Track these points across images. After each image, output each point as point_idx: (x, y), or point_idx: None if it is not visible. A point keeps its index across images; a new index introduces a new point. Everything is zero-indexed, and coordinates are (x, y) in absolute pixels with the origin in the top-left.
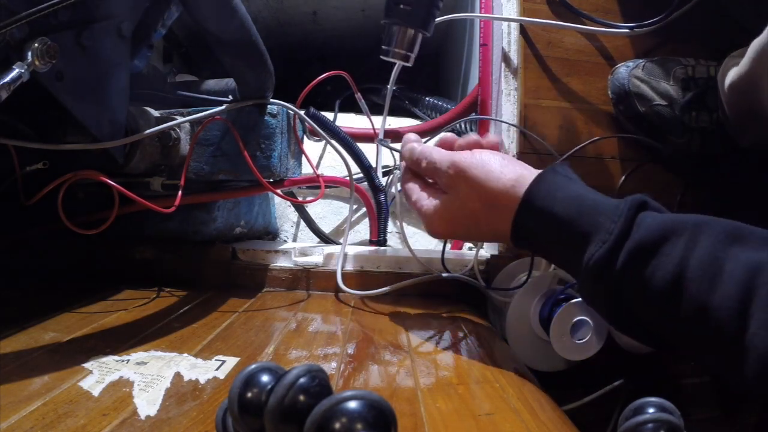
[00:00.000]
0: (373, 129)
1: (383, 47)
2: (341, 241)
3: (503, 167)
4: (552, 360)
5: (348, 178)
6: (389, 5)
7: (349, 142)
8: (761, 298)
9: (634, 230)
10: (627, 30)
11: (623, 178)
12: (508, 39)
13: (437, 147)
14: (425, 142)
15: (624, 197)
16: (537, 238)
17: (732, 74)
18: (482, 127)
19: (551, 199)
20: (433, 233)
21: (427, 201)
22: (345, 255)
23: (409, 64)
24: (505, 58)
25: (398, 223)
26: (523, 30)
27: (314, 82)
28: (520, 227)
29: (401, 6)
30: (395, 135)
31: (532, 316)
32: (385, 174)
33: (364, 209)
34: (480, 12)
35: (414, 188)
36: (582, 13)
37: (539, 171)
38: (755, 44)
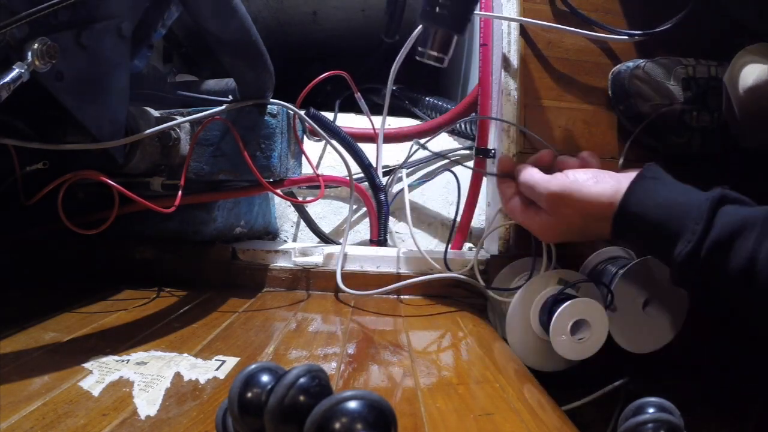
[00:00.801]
0: (373, 129)
1: (419, 48)
2: (341, 241)
3: (596, 184)
4: (552, 360)
5: (348, 177)
6: (425, 8)
7: (349, 141)
8: None
9: (713, 229)
10: (631, 37)
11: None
12: (508, 39)
13: (535, 169)
14: (425, 143)
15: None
16: (634, 242)
17: (754, 77)
18: (482, 127)
19: (643, 207)
20: (545, 240)
21: (534, 219)
22: (345, 255)
23: (443, 66)
24: (505, 58)
25: (399, 223)
26: (523, 30)
27: (314, 82)
28: (618, 235)
29: (437, 9)
30: (395, 135)
31: (532, 316)
32: (385, 174)
33: (364, 209)
34: (480, 11)
35: (516, 207)
36: (587, 18)
37: (630, 178)
38: None
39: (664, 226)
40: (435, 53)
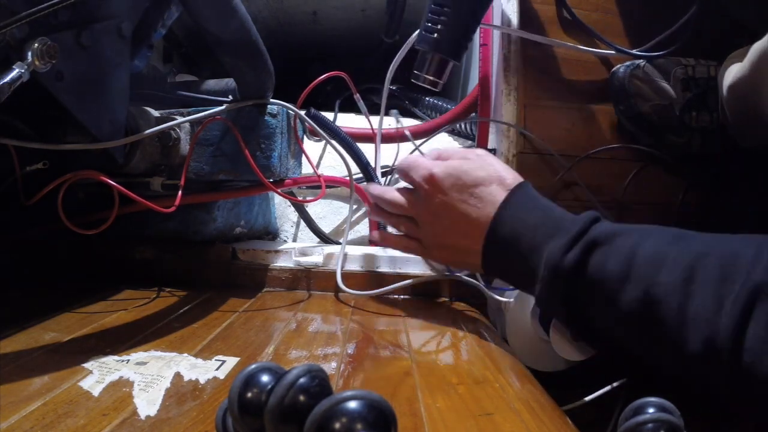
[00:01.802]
0: (372, 129)
1: (414, 71)
2: (341, 241)
3: (471, 178)
4: (552, 360)
5: (348, 177)
6: (422, 32)
7: (348, 142)
8: (701, 279)
9: (590, 230)
10: (635, 53)
11: (628, 180)
12: (508, 39)
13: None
14: (425, 143)
15: (618, 202)
16: (507, 246)
17: (732, 77)
18: (482, 128)
19: (523, 208)
20: (430, 251)
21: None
22: (345, 255)
23: (437, 90)
24: (505, 58)
25: None
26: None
27: (314, 83)
28: (489, 248)
29: (434, 35)
30: (394, 136)
31: (532, 316)
32: (384, 174)
33: (363, 209)
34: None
35: (389, 235)
36: (589, 28)
37: (507, 185)
38: (756, 49)
39: (540, 229)
40: (430, 77)
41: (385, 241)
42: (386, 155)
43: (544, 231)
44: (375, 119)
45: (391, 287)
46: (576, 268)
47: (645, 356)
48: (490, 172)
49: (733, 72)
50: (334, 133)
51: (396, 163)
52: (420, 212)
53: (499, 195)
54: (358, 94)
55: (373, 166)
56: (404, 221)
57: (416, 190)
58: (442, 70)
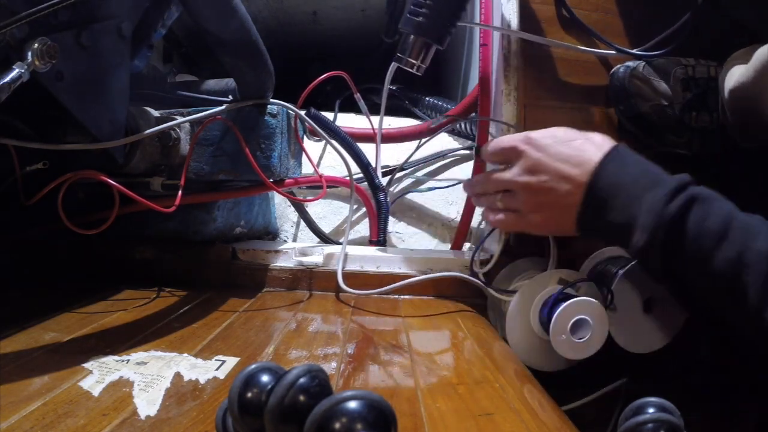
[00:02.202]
0: (372, 129)
1: (398, 54)
2: (342, 241)
3: (566, 136)
4: (552, 360)
5: (356, 176)
6: (407, 15)
7: (348, 141)
8: None
9: (689, 187)
10: (635, 53)
11: None
12: (508, 39)
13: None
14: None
15: None
16: (607, 197)
17: (734, 80)
18: (482, 127)
19: (623, 162)
20: (534, 226)
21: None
22: (345, 255)
23: (419, 74)
24: (505, 58)
25: (399, 223)
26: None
27: (314, 83)
28: (589, 198)
29: (419, 18)
30: (395, 136)
31: (532, 316)
32: (385, 174)
33: (363, 209)
34: (480, 16)
35: (498, 211)
36: (589, 28)
37: (602, 144)
38: (759, 54)
39: (640, 181)
40: (413, 60)
41: (486, 219)
42: (387, 155)
43: (644, 183)
44: (375, 119)
45: (391, 287)
46: (676, 219)
47: (726, 315)
48: (582, 132)
49: (735, 75)
50: (334, 133)
51: (485, 146)
52: (517, 178)
53: (596, 150)
54: (358, 94)
55: (373, 166)
56: (501, 197)
57: (511, 162)
58: (425, 54)
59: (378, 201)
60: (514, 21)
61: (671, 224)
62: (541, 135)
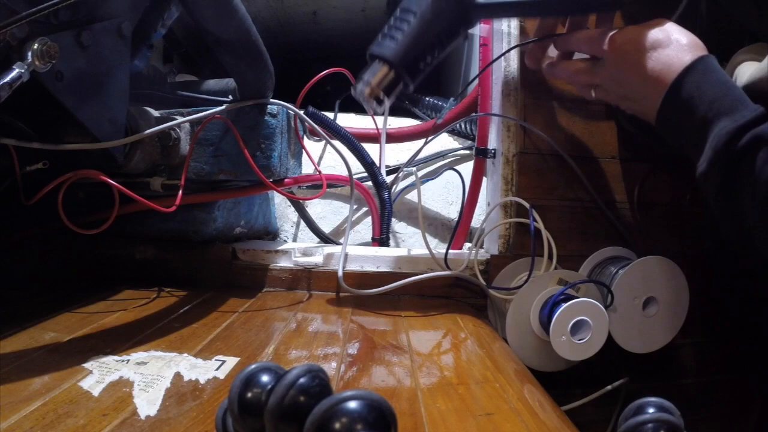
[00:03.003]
0: (376, 128)
1: (360, 78)
2: (342, 240)
3: (653, 38)
4: (552, 360)
5: (356, 176)
6: (380, 37)
7: (350, 138)
8: None
9: (762, 125)
10: None
11: (639, 184)
12: (508, 39)
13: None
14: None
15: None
16: (682, 112)
17: (748, 76)
18: (482, 127)
19: (705, 79)
20: (612, 92)
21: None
22: (346, 255)
23: (379, 112)
24: (505, 58)
25: (399, 223)
26: (523, 30)
27: (315, 79)
28: (669, 102)
29: (392, 42)
30: (396, 135)
31: (532, 317)
32: (389, 173)
33: (364, 209)
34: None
35: (571, 64)
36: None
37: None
38: None
39: (717, 102)
40: (376, 89)
41: (559, 71)
42: (390, 153)
43: (719, 107)
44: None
45: (391, 286)
46: (739, 160)
47: None
48: (673, 29)
49: (748, 72)
50: (334, 131)
51: (568, 39)
52: (605, 79)
53: (681, 58)
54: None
55: (377, 164)
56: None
57: (597, 55)
58: (392, 86)
59: (382, 198)
60: (514, 21)
61: (732, 164)
62: (626, 35)
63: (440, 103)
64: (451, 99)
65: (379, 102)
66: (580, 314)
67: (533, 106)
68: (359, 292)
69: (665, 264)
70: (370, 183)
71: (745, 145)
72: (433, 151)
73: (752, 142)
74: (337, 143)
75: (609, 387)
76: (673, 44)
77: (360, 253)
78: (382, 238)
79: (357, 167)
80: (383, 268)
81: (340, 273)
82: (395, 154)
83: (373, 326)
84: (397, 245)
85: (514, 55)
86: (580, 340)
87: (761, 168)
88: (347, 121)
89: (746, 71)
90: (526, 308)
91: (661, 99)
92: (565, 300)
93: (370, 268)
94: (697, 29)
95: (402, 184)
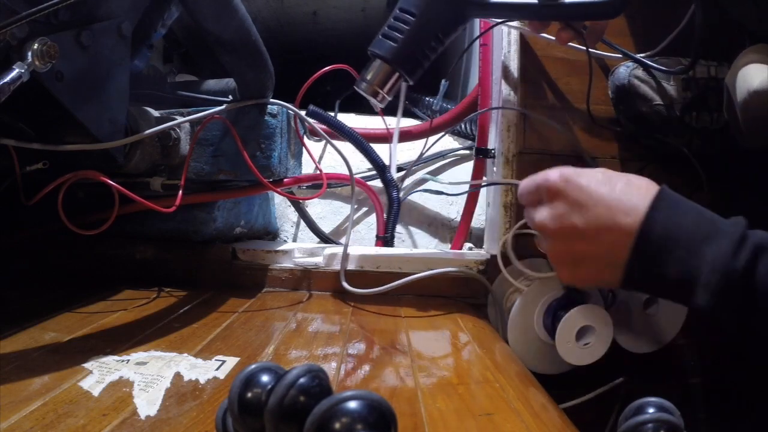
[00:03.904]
0: (386, 127)
1: (360, 78)
2: (341, 240)
3: (606, 176)
4: (555, 363)
5: (356, 175)
6: (379, 37)
7: (355, 137)
8: None
9: (750, 235)
10: (639, 56)
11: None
12: (508, 39)
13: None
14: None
15: None
16: (659, 251)
17: (758, 80)
18: (482, 127)
19: (675, 209)
20: (559, 271)
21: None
22: (347, 255)
23: (381, 105)
24: (505, 58)
25: (399, 223)
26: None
27: (315, 76)
28: (641, 248)
29: (392, 43)
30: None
31: (536, 320)
32: (399, 170)
33: (363, 209)
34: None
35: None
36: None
37: (648, 187)
38: None
39: (697, 230)
40: (376, 88)
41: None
42: (402, 153)
43: (701, 233)
44: (372, 119)
45: (391, 286)
46: (746, 274)
47: None
48: (623, 174)
49: (762, 75)
50: (337, 128)
51: (521, 186)
52: (548, 222)
53: (642, 196)
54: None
55: (386, 162)
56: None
57: (545, 202)
58: (392, 84)
59: (390, 197)
60: (514, 21)
61: (742, 282)
62: (578, 172)
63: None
64: (443, 80)
65: (381, 98)
66: (586, 320)
67: (533, 106)
68: (359, 292)
69: None
70: (373, 182)
71: (748, 259)
72: (433, 151)
73: (753, 254)
74: (336, 142)
75: (609, 386)
76: (629, 180)
77: (360, 253)
78: (386, 236)
79: (356, 167)
80: (383, 268)
81: (341, 272)
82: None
83: (373, 326)
84: (397, 245)
85: (514, 55)
86: (585, 345)
87: None
88: (347, 120)
89: (756, 75)
90: (529, 311)
91: (635, 236)
92: (569, 304)
93: (370, 267)
94: (695, 29)
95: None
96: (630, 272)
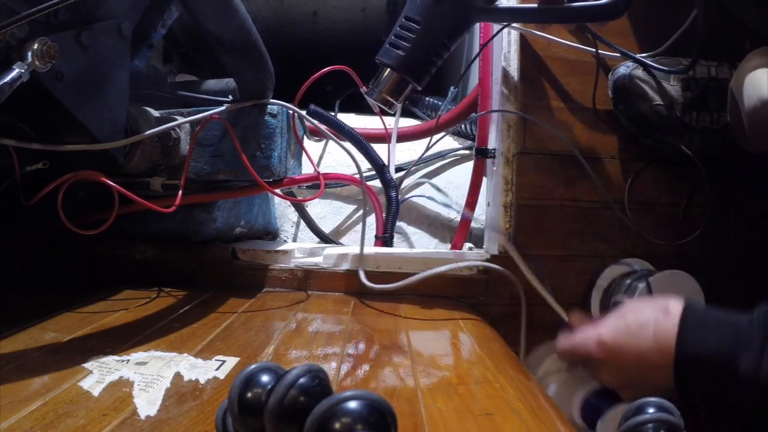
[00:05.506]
0: (385, 128)
1: (370, 86)
2: (341, 240)
3: (636, 324)
4: None
5: (356, 175)
6: (386, 46)
7: (355, 136)
8: None
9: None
10: (640, 56)
11: (629, 181)
12: (508, 39)
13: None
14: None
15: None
16: (697, 369)
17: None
18: (482, 127)
19: (699, 329)
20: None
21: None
22: (347, 255)
23: (391, 112)
24: (505, 58)
25: (399, 223)
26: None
27: (315, 76)
28: (681, 375)
29: (399, 51)
30: (400, 135)
31: (575, 405)
32: (398, 170)
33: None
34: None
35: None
36: (594, 32)
37: (674, 312)
38: None
39: (723, 348)
40: (386, 96)
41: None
42: (401, 153)
43: (727, 348)
44: (372, 118)
45: (393, 285)
46: None
47: None
48: (651, 302)
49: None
50: (338, 127)
51: (559, 341)
52: (603, 378)
53: (671, 324)
54: (364, 87)
55: (385, 162)
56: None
57: (588, 364)
58: (401, 91)
59: (389, 197)
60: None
61: None
62: (613, 333)
63: (440, 103)
64: (452, 87)
65: (390, 105)
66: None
67: (533, 107)
68: (375, 287)
69: (683, 278)
70: (372, 182)
71: None
72: (433, 151)
73: None
74: (340, 141)
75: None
76: (656, 312)
77: (360, 254)
78: (385, 236)
79: (356, 167)
80: (383, 268)
81: (359, 270)
82: (395, 153)
83: (373, 326)
84: (397, 245)
85: (514, 55)
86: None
87: None
88: (348, 120)
89: (763, 80)
90: (568, 396)
91: (672, 367)
92: (606, 396)
93: (370, 267)
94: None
95: (405, 183)
96: (678, 388)
